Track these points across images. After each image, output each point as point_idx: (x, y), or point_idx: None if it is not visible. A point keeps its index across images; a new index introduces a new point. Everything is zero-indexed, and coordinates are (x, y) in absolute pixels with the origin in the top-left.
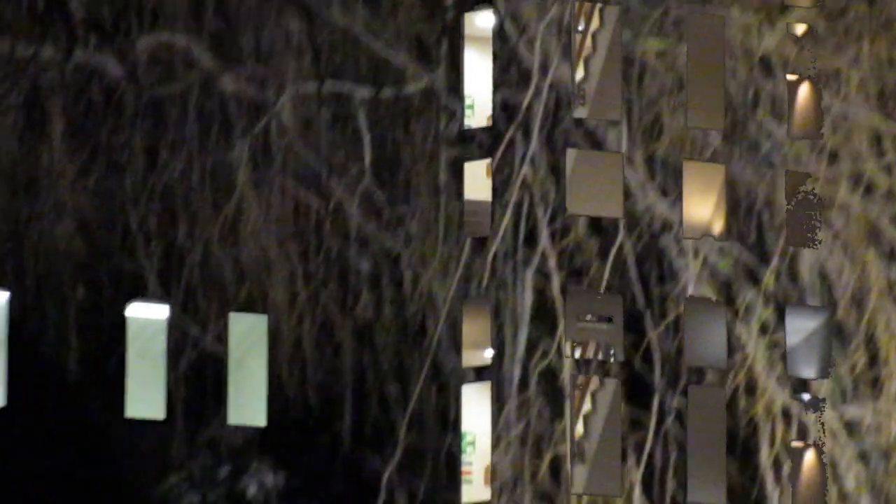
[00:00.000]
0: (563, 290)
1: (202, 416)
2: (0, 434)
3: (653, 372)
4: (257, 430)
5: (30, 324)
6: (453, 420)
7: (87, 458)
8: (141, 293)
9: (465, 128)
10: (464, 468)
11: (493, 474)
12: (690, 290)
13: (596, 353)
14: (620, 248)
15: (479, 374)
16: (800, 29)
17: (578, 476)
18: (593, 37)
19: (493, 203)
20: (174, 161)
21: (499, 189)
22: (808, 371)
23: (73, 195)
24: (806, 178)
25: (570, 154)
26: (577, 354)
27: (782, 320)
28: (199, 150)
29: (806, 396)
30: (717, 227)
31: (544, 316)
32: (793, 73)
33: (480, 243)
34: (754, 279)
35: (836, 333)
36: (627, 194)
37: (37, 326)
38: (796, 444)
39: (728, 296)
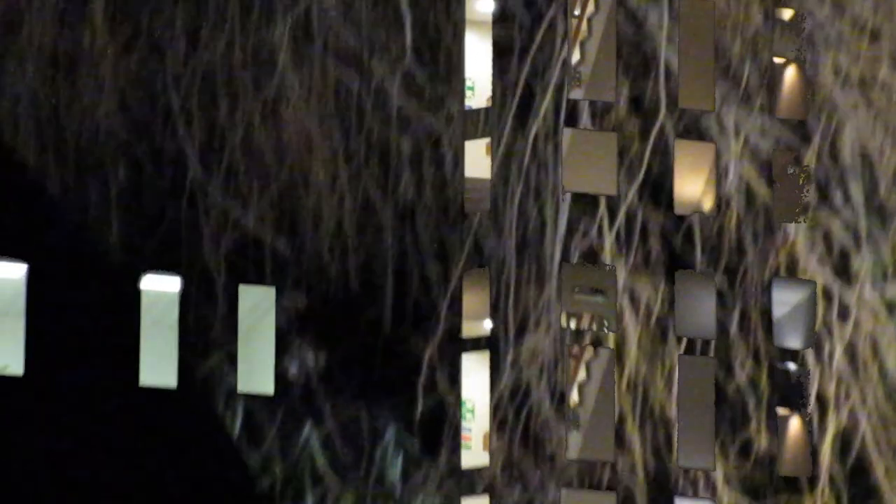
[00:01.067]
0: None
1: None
2: (49, 311)
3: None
4: (299, 311)
5: (71, 205)
6: (457, 385)
7: (133, 333)
8: (181, 173)
9: (467, 108)
10: (464, 434)
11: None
12: (732, 171)
13: (591, 324)
14: (662, 128)
15: (477, 343)
16: None
17: (573, 442)
18: None
19: (534, 85)
20: (215, 42)
21: (539, 70)
22: (794, 341)
23: (115, 76)
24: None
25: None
26: (573, 325)
27: (824, 200)
28: (241, 30)
29: (791, 365)
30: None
31: (585, 196)
32: None
33: (521, 124)
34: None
35: (876, 212)
36: (668, 75)
37: (78, 206)
38: (782, 411)
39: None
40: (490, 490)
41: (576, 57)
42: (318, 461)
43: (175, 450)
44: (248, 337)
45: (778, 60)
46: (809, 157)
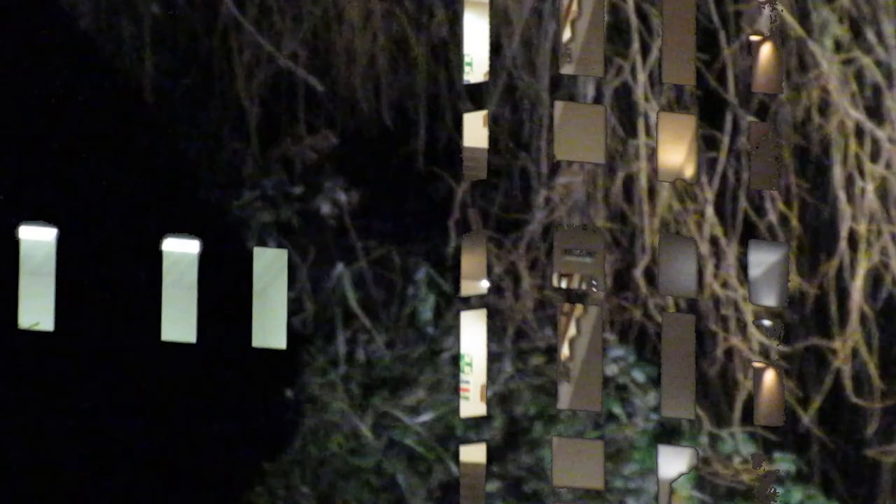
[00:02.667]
0: (638, 7)
1: (276, 133)
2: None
3: (726, 91)
4: (331, 147)
5: (104, 41)
6: (457, 339)
7: (164, 169)
8: (215, 10)
9: (465, 82)
10: (462, 387)
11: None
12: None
13: (580, 284)
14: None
15: (476, 301)
16: None
17: (563, 393)
18: None
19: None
20: None
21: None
22: (770, 299)
23: None
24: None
25: None
26: (564, 285)
27: (855, 41)
28: None
29: (767, 322)
30: None
31: (619, 33)
32: None
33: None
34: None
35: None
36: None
37: (111, 43)
38: (758, 364)
39: (802, 13)
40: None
41: (567, 35)
42: (349, 300)
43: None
44: (261, 296)
45: (754, 38)
46: None
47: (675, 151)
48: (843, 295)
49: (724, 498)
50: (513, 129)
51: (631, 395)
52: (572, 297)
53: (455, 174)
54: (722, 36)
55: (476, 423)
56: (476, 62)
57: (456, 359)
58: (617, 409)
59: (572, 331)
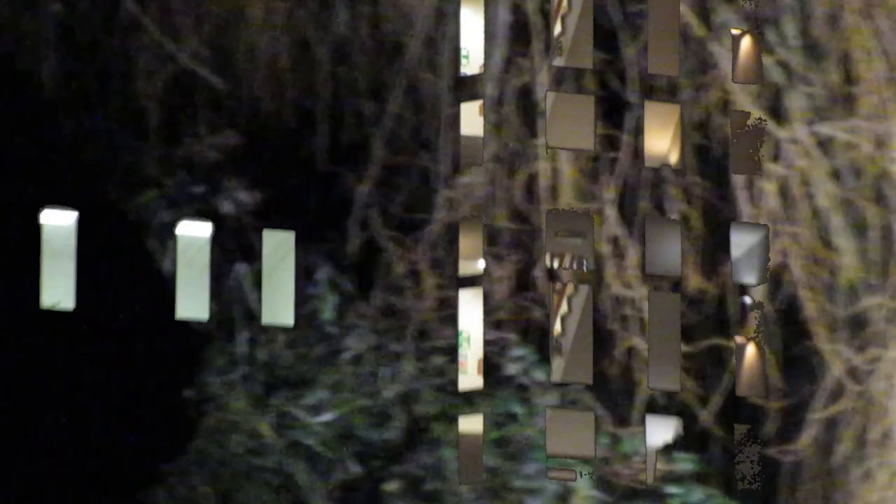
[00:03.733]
0: (542, 7)
1: (177, 133)
2: None
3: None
4: (232, 147)
5: (4, 38)
6: (455, 317)
7: (64, 169)
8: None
9: (462, 74)
10: (460, 361)
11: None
12: None
13: (571, 263)
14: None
15: (472, 281)
16: None
17: (556, 366)
18: None
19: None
20: None
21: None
22: (750, 278)
23: None
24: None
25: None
26: (556, 264)
27: (762, 37)
28: None
29: (747, 299)
30: None
31: (522, 33)
32: None
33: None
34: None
35: (811, 49)
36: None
37: (11, 40)
38: (739, 338)
39: (703, 12)
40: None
41: (558, 29)
42: (250, 299)
43: None
44: (269, 276)
45: (735, 31)
46: None
47: (660, 139)
48: (743, 294)
49: (625, 498)
50: (416, 129)
51: (532, 395)
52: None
53: (356, 174)
54: (623, 36)
55: (379, 423)
56: (472, 55)
57: (357, 358)
58: (517, 409)
59: (564, 308)
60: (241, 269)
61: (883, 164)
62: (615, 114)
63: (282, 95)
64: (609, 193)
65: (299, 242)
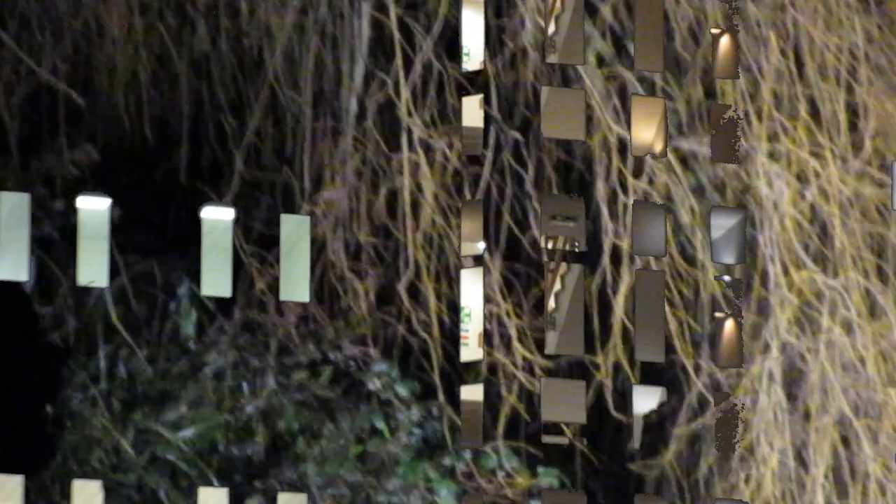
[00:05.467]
0: (401, 22)
1: (36, 148)
2: None
3: (489, 106)
4: (91, 162)
5: None
6: (457, 295)
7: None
8: None
9: (464, 70)
10: (462, 334)
11: None
12: None
13: (564, 245)
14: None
15: (477, 261)
16: None
17: (551, 339)
18: None
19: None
20: None
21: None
22: (729, 258)
23: None
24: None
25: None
26: (550, 245)
27: (619, 56)
28: None
29: (727, 278)
30: None
31: (382, 48)
32: None
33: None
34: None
35: (673, 66)
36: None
37: None
38: (718, 314)
39: None
40: (486, 382)
41: (552, 28)
42: (111, 315)
43: None
44: (288, 255)
45: (714, 31)
46: (606, 11)
47: (646, 131)
48: (606, 310)
49: None
50: (276, 144)
51: (395, 410)
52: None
53: (217, 189)
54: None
55: (239, 439)
56: (473, 53)
57: (219, 374)
58: (380, 424)
59: (557, 285)
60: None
61: (745, 178)
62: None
63: (141, 111)
64: (471, 210)
65: (159, 258)
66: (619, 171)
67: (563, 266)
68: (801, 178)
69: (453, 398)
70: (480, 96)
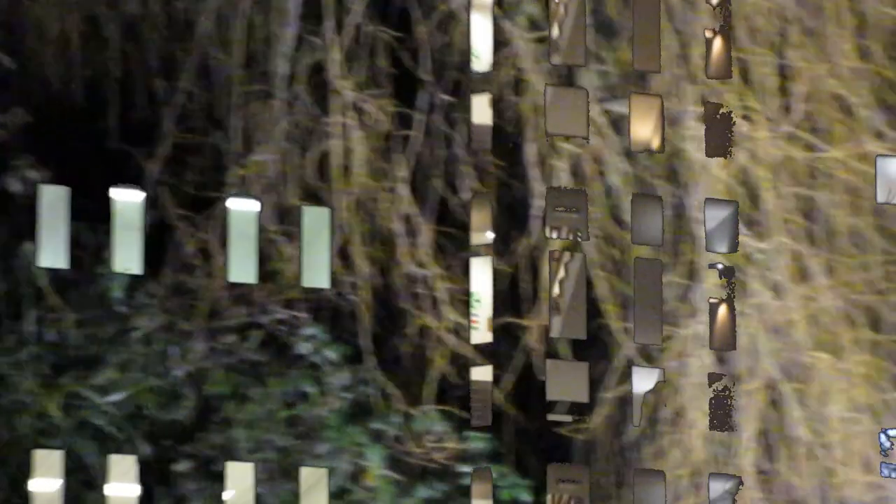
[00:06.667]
0: None
1: None
2: None
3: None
4: (21, 125)
5: None
6: (468, 281)
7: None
8: None
9: (473, 72)
10: (472, 319)
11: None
12: None
13: (568, 234)
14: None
15: (483, 249)
16: None
17: (556, 323)
18: None
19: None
20: None
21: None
22: (722, 248)
23: None
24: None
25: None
26: (555, 235)
27: (547, 17)
28: None
29: (720, 265)
30: None
31: (312, 11)
32: None
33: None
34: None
35: (604, 27)
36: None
37: None
38: (712, 300)
39: None
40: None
41: (556, 32)
42: (39, 279)
43: None
44: (308, 245)
45: (708, 34)
46: None
47: (644, 127)
48: (535, 273)
49: (418, 477)
50: (207, 107)
51: (324, 374)
52: None
53: (148, 151)
54: (417, 13)
55: (167, 403)
56: (482, 55)
57: (148, 338)
58: (309, 388)
59: (561, 273)
60: (29, 248)
61: (675, 141)
62: (408, 92)
63: (71, 73)
64: (402, 172)
65: (87, 221)
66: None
67: (567, 254)
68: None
69: (383, 362)
70: (489, 95)
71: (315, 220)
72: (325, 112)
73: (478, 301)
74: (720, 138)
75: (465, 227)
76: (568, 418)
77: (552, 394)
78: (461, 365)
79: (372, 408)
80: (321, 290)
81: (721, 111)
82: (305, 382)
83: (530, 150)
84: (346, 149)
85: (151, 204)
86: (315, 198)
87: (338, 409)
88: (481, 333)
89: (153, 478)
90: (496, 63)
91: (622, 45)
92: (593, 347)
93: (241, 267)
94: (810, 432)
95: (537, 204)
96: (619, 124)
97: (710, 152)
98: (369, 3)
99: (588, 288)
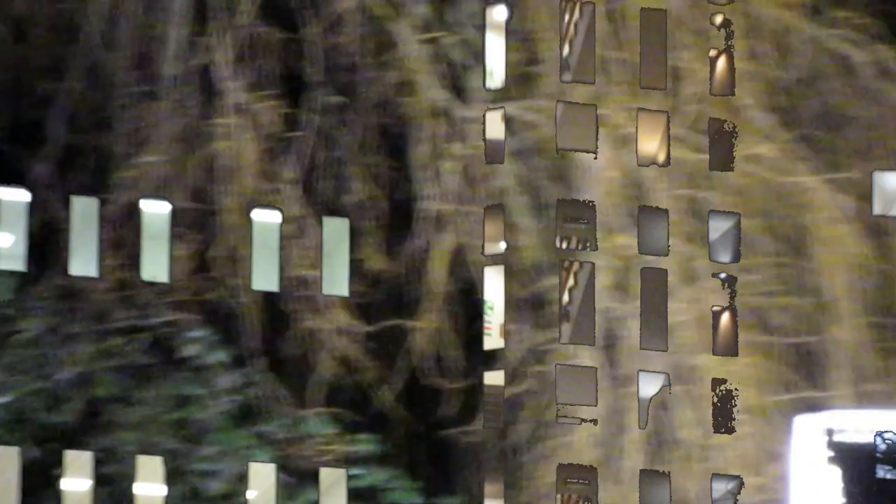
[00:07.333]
0: None
1: None
2: None
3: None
4: None
5: None
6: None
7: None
8: None
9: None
10: (486, 325)
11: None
12: None
13: (577, 244)
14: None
15: (496, 258)
16: None
17: (565, 330)
18: None
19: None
20: None
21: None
22: (725, 257)
23: None
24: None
25: None
26: (565, 245)
27: (442, 20)
28: None
29: (722, 275)
30: None
31: (201, 13)
32: None
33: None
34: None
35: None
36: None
37: None
38: (715, 307)
39: None
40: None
41: (566, 51)
42: None
43: None
44: (328, 255)
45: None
46: None
47: (650, 142)
48: (423, 275)
49: (307, 477)
50: (95, 108)
51: (213, 376)
52: None
53: (34, 152)
54: (306, 16)
55: (52, 405)
56: (496, 72)
57: (34, 339)
58: (198, 390)
59: (571, 281)
60: None
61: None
62: (297, 93)
63: None
64: (290, 174)
65: None
66: (436, 136)
67: (577, 265)
68: (622, 141)
69: (272, 364)
70: (502, 111)
71: (336, 231)
72: (213, 114)
73: (490, 308)
74: (723, 152)
75: (353, 232)
76: (576, 421)
77: (562, 398)
78: (349, 367)
79: (260, 410)
80: (210, 291)
81: (724, 127)
82: (194, 385)
83: (420, 151)
84: (235, 151)
85: (40, 208)
86: (203, 200)
87: (226, 412)
88: (494, 339)
89: (38, 480)
90: (384, 64)
91: (513, 45)
92: (480, 348)
93: (264, 273)
94: (699, 433)
95: (424, 206)
96: (511, 124)
97: (715, 166)
98: (259, 4)
99: (476, 290)
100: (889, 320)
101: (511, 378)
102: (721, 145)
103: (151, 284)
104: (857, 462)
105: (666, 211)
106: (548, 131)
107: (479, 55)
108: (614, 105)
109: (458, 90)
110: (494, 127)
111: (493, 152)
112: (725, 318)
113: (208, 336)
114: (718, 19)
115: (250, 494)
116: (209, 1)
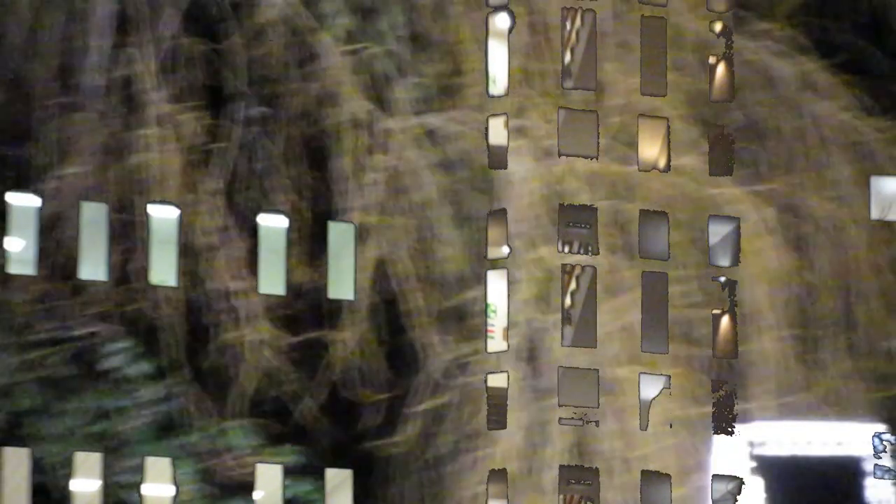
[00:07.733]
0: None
1: None
2: None
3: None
4: None
5: None
6: (485, 292)
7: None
8: None
9: (490, 94)
10: (489, 329)
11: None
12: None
13: (579, 249)
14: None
15: (498, 263)
16: None
17: (567, 333)
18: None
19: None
20: None
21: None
22: (725, 261)
23: None
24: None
25: None
26: (567, 249)
27: (366, 31)
28: None
29: (722, 278)
30: None
31: (126, 23)
32: None
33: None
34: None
35: (418, 40)
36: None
37: None
38: (715, 311)
39: (310, 1)
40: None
41: (567, 58)
42: None
43: None
44: (335, 258)
45: (711, 60)
46: None
47: (651, 148)
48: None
49: (230, 489)
50: (17, 118)
51: (136, 388)
52: None
53: None
54: (230, 26)
55: None
56: (499, 79)
57: None
58: (120, 402)
59: (573, 286)
60: None
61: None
62: (219, 105)
63: None
64: (214, 184)
65: None
66: (359, 147)
67: (578, 269)
68: (548, 153)
69: (196, 375)
70: (504, 117)
71: (342, 236)
72: (136, 124)
73: (493, 311)
74: (723, 158)
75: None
76: (580, 422)
77: (564, 399)
78: (272, 379)
79: (183, 421)
80: (133, 302)
81: (723, 134)
82: (117, 396)
83: (346, 162)
84: (160, 162)
85: None
86: (127, 210)
87: (149, 423)
88: (497, 342)
89: None
90: (307, 76)
91: (437, 57)
92: (403, 360)
93: (270, 277)
94: (623, 445)
95: (347, 218)
96: (434, 136)
97: (714, 171)
98: (182, 16)
99: (399, 302)
100: (810, 332)
101: (433, 390)
102: (720, 151)
103: (76, 294)
104: (779, 473)
105: (666, 214)
106: (473, 140)
107: (401, 67)
108: (537, 115)
109: (381, 101)
110: (497, 133)
111: (497, 158)
112: (725, 322)
113: (131, 347)
114: (718, 26)
115: (257, 495)
116: (132, 12)
